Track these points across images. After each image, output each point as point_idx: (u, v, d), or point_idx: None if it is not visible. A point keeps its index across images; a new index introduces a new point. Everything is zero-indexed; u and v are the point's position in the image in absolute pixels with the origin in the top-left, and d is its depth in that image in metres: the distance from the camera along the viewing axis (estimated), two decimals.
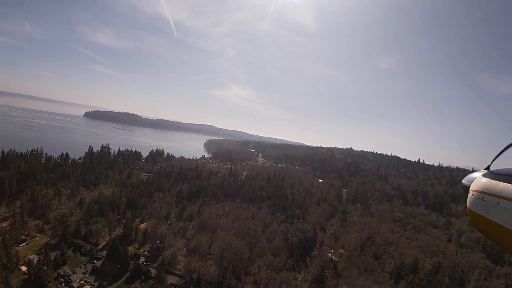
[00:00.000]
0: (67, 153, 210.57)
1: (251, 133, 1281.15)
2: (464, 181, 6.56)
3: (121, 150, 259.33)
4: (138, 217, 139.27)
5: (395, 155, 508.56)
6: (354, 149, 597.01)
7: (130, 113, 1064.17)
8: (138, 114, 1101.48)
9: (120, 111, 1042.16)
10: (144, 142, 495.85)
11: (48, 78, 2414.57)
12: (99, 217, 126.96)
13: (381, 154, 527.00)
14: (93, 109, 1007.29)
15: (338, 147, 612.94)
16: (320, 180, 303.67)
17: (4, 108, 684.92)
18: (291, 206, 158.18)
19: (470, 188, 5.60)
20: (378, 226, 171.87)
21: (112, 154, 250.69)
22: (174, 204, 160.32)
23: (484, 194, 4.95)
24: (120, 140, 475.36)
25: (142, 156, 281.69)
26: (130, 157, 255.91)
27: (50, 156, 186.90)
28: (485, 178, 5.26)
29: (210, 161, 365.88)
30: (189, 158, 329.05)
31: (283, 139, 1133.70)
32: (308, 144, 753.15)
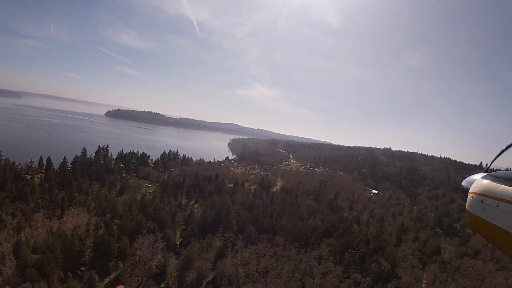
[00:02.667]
0: (48, 158, 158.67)
1: (276, 132, 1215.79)
2: (464, 183, 6.15)
3: (123, 152, 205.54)
4: (113, 272, 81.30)
5: (445, 157, 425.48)
6: (393, 149, 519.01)
7: (153, 111, 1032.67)
8: (161, 113, 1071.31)
9: (143, 110, 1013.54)
10: (163, 142, 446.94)
11: (75, 79, 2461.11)
12: (37, 279, 70.48)
13: (430, 156, 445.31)
14: (115, 108, 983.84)
15: (372, 146, 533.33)
16: (374, 191, 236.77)
17: (20, 108, 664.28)
18: (369, 251, 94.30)
19: (470, 191, 5.37)
20: (502, 279, 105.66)
21: (111, 157, 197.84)
22: (180, 240, 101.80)
23: (484, 196, 4.82)
24: (137, 139, 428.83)
25: (152, 160, 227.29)
26: (132, 161, 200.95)
27: (13, 163, 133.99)
28: (485, 181, 5.08)
29: (235, 164, 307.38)
30: (209, 161, 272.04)
31: (309, 137, 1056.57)
32: (336, 143, 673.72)
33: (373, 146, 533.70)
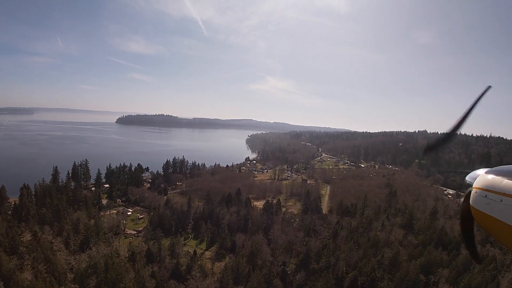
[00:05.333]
0: (1, 188, 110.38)
1: (294, 124, 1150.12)
2: (467, 178, 5.91)
3: (111, 167, 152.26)
4: None
5: (498, 136, 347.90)
6: (428, 131, 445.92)
7: (165, 114, 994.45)
8: (174, 115, 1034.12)
9: (154, 113, 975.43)
10: (174, 146, 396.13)
11: (88, 90, 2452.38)
12: None
13: (478, 136, 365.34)
14: (126, 115, 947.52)
15: (396, 130, 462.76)
16: (449, 191, 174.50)
17: (26, 123, 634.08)
18: None
19: (473, 186, 5.25)
20: None
21: (97, 175, 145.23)
22: None
23: (487, 191, 4.77)
24: (145, 146, 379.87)
25: (152, 172, 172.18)
26: (122, 178, 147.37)
27: None
28: (489, 175, 4.98)
29: (258, 166, 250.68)
30: (227, 166, 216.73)
31: (328, 126, 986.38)
32: (355, 130, 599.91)
33: (396, 130, 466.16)
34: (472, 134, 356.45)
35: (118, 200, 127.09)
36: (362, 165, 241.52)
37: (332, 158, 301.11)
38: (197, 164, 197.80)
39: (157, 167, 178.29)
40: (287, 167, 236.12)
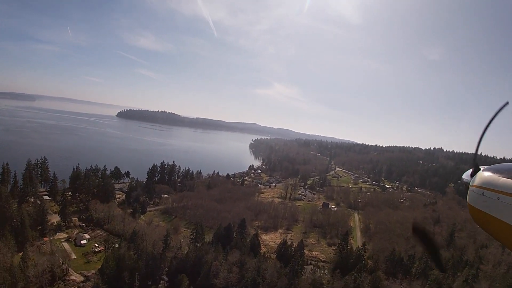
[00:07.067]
0: None
1: (298, 131, 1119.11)
2: (464, 176, 6.04)
3: (79, 168, 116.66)
4: None
5: None
6: (444, 149, 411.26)
7: (168, 111, 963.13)
8: (177, 113, 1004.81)
9: (156, 110, 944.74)
10: (173, 146, 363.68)
11: (94, 82, 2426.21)
12: None
13: (503, 159, 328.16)
14: (127, 109, 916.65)
15: (412, 146, 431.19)
16: None
17: (21, 109, 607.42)
18: None
19: (470, 184, 5.28)
20: None
21: (53, 179, 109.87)
22: None
23: (484, 189, 4.80)
24: (139, 143, 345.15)
25: (134, 179, 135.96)
26: (86, 186, 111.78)
27: None
28: (485, 173, 5.05)
29: (264, 177, 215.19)
30: (227, 175, 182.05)
31: (332, 136, 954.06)
32: (361, 142, 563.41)
33: (408, 145, 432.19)
34: (493, 156, 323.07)
35: (74, 218, 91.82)
36: (387, 186, 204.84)
37: (348, 173, 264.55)
38: (191, 171, 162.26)
39: (142, 172, 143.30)
40: (299, 180, 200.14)
